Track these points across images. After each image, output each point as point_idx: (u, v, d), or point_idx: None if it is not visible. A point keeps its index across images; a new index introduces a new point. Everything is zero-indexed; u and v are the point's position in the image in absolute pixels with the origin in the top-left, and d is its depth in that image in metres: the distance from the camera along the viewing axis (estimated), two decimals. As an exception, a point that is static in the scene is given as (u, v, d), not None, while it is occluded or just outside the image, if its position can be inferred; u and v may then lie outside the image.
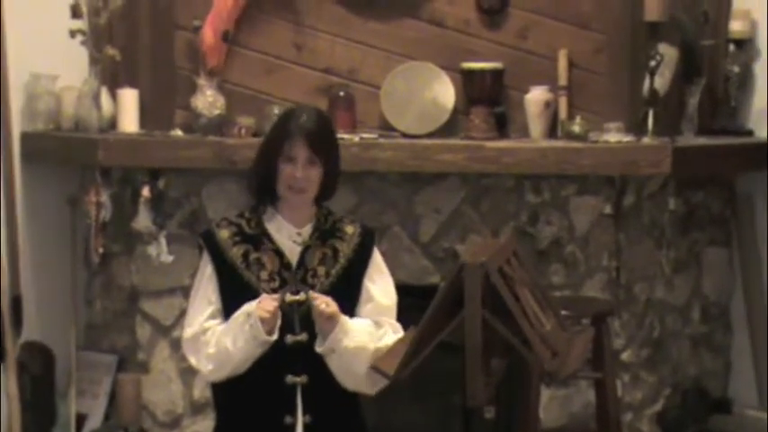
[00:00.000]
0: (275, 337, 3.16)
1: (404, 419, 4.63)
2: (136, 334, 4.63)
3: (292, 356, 3.22)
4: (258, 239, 3.27)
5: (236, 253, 3.26)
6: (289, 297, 3.20)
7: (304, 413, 3.23)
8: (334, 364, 3.21)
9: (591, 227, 4.54)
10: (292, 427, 3.23)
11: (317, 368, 3.22)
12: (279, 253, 3.27)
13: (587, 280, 4.55)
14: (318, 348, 3.19)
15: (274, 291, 3.21)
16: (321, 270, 3.27)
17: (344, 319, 3.20)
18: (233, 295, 3.24)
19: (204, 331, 3.24)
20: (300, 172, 3.22)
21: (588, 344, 3.50)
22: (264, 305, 3.15)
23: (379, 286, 3.32)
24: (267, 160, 3.27)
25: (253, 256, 3.25)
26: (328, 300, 3.18)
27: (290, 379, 3.22)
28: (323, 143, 3.26)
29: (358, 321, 3.25)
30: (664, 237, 4.61)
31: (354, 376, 3.23)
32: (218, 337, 3.20)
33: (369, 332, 3.24)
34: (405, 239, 4.56)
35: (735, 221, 4.82)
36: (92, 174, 4.56)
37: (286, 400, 3.23)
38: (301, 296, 3.20)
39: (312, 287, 3.24)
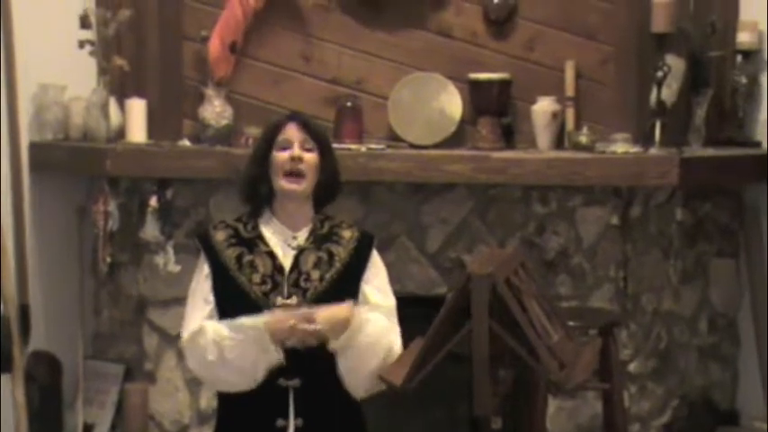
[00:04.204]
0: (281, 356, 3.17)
1: (410, 429, 4.62)
2: (143, 343, 4.63)
3: (285, 360, 3.22)
4: (253, 242, 3.29)
5: (230, 255, 3.28)
6: (280, 301, 3.21)
7: (296, 416, 3.24)
8: (348, 360, 3.20)
9: (598, 238, 4.54)
10: (284, 429, 3.24)
11: (310, 371, 3.23)
12: (272, 256, 3.27)
13: (594, 291, 4.55)
14: (333, 346, 3.17)
15: (266, 294, 3.23)
16: (315, 274, 3.27)
17: (358, 312, 3.19)
18: (226, 297, 3.26)
19: (201, 330, 3.23)
20: (297, 151, 3.23)
21: (595, 355, 3.50)
22: (281, 326, 3.13)
23: (377, 288, 3.33)
24: (261, 157, 3.28)
25: (246, 258, 3.26)
26: (314, 315, 3.16)
27: (282, 382, 3.23)
28: (315, 127, 3.31)
29: (372, 315, 3.24)
30: (671, 248, 4.60)
31: (368, 374, 3.21)
32: (222, 350, 3.19)
33: (383, 327, 3.23)
34: (412, 250, 4.56)
35: (742, 232, 4.81)
36: (100, 183, 4.57)
37: (278, 402, 3.24)
38: (292, 300, 3.21)
39: (305, 291, 3.25)
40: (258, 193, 3.30)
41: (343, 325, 3.16)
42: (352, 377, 3.23)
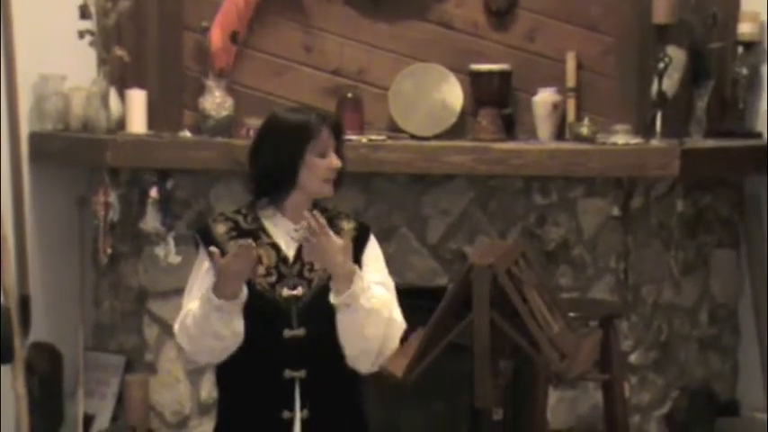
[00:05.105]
0: (234, 299, 3.12)
1: (410, 420, 4.62)
2: (143, 335, 4.64)
3: (290, 351, 3.20)
4: (255, 234, 3.25)
5: (232, 248, 3.25)
6: (286, 292, 3.20)
7: (302, 408, 3.21)
8: (345, 321, 3.16)
9: (599, 229, 4.54)
10: (290, 421, 3.21)
11: (316, 363, 3.20)
12: (276, 247, 3.25)
13: (595, 282, 4.55)
14: (334, 300, 3.15)
15: (271, 285, 3.21)
16: (318, 264, 3.26)
17: (364, 275, 3.17)
18: None
19: (186, 313, 3.23)
20: (336, 161, 3.24)
21: (596, 346, 3.50)
22: (222, 274, 3.10)
23: (377, 270, 3.30)
24: (294, 156, 3.24)
25: None
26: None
27: (287, 373, 3.20)
28: (341, 128, 3.31)
29: (375, 287, 3.20)
30: (672, 239, 4.60)
31: (363, 339, 3.17)
32: (198, 323, 3.19)
33: (385, 299, 3.20)
34: (413, 241, 4.56)
35: (743, 223, 4.82)
36: (100, 174, 4.57)
37: (284, 394, 3.21)
38: (298, 291, 3.21)
39: (309, 281, 3.24)
40: (277, 189, 3.27)
41: (333, 251, 3.12)
42: (352, 345, 3.18)
